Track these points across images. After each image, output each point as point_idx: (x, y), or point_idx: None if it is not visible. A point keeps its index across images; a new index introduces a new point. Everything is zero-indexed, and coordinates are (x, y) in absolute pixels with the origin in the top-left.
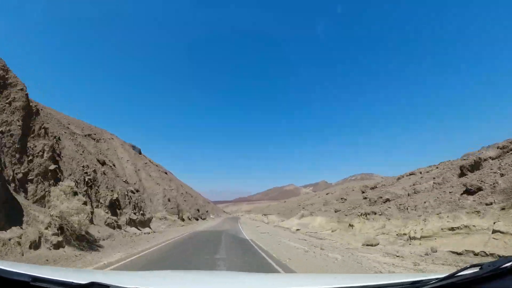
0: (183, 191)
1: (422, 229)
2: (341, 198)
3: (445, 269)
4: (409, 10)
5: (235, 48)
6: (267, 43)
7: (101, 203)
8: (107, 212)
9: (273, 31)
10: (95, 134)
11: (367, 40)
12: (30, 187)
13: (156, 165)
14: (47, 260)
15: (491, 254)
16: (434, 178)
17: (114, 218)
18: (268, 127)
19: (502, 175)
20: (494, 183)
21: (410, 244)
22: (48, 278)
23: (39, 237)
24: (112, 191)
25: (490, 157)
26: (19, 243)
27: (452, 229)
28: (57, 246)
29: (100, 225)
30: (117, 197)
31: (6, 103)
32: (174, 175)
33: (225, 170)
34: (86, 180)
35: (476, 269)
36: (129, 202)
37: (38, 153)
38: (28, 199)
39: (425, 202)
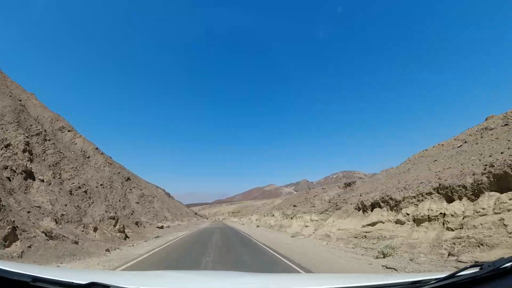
0: None
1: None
2: None
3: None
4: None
5: (214, 47)
6: (246, 43)
7: None
8: None
9: (251, 28)
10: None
11: (352, 40)
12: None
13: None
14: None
15: None
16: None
17: None
18: (246, 128)
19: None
20: None
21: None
22: (48, 278)
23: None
24: None
25: None
26: None
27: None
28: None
29: None
30: None
31: None
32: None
33: (199, 173)
34: None
35: (476, 269)
36: None
37: None
38: None
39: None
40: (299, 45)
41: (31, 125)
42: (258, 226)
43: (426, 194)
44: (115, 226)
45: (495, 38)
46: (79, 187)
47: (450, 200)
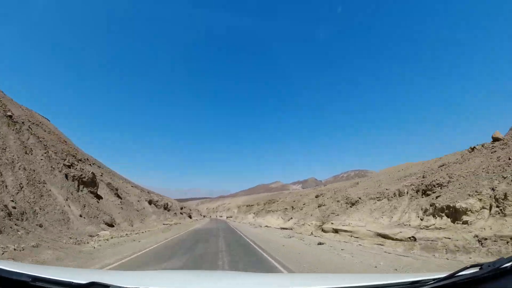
0: None
1: None
2: None
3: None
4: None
5: (214, 47)
6: (246, 43)
7: None
8: None
9: (251, 28)
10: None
11: (364, 38)
12: None
13: None
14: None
15: None
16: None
17: None
18: (247, 127)
19: None
20: None
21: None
22: (47, 278)
23: None
24: None
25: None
26: None
27: None
28: None
29: None
30: None
31: None
32: None
33: (199, 173)
34: None
35: (476, 269)
36: None
37: None
38: None
39: None
40: (299, 45)
41: None
42: None
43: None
44: None
45: (501, 37)
46: None
47: None
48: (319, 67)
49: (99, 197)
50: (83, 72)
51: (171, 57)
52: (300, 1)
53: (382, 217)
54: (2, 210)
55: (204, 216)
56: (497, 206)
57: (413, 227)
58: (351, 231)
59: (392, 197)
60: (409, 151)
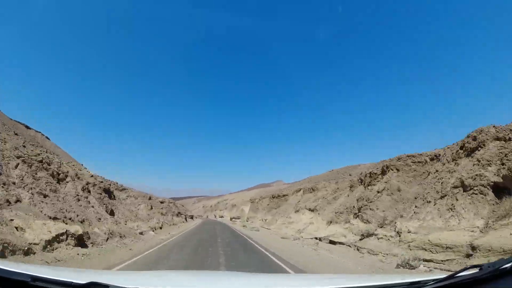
0: None
1: None
2: None
3: None
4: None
5: (214, 47)
6: (246, 43)
7: None
8: None
9: (251, 28)
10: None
11: (364, 38)
12: None
13: None
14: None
15: None
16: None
17: None
18: (247, 127)
19: None
20: None
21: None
22: (47, 278)
23: None
24: None
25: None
26: None
27: None
28: None
29: None
30: None
31: None
32: None
33: (198, 173)
34: None
35: (475, 270)
36: None
37: None
38: None
39: None
40: (299, 45)
41: None
42: None
43: None
44: None
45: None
46: None
47: None
48: (319, 67)
49: None
50: (82, 72)
51: (171, 57)
52: (300, 1)
53: None
54: None
55: (192, 218)
56: None
57: None
58: None
59: None
60: (407, 147)
